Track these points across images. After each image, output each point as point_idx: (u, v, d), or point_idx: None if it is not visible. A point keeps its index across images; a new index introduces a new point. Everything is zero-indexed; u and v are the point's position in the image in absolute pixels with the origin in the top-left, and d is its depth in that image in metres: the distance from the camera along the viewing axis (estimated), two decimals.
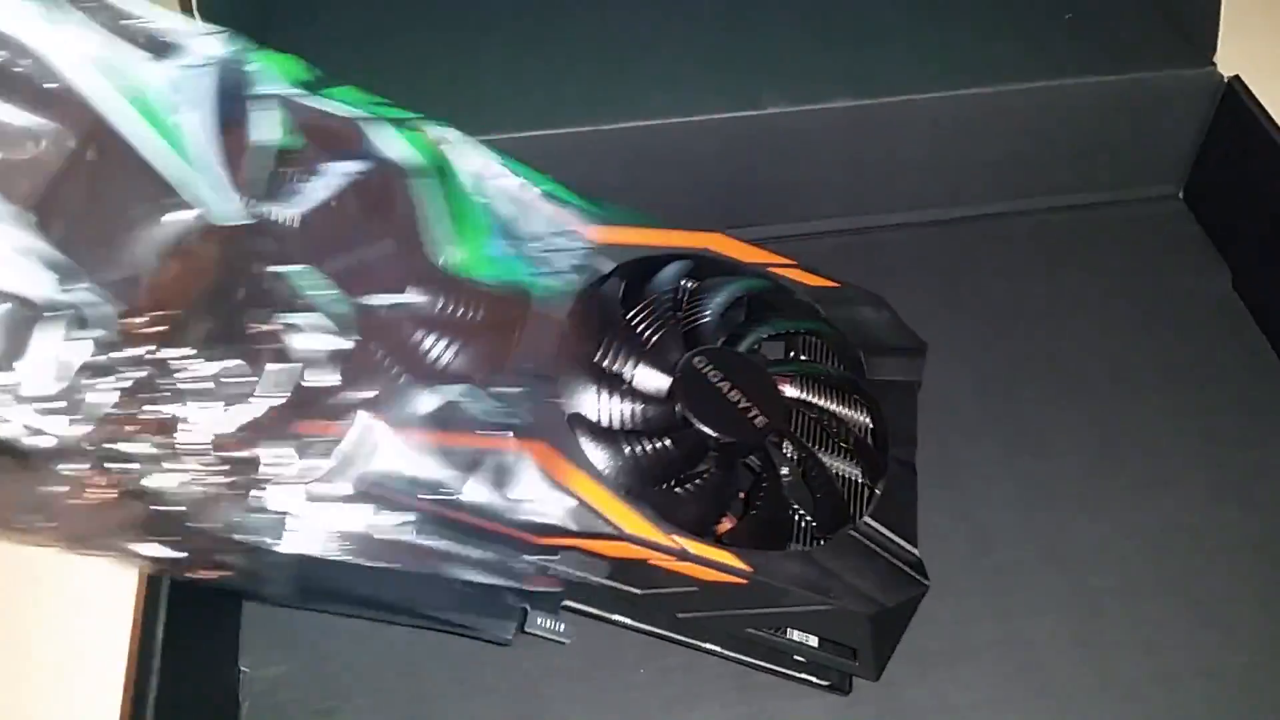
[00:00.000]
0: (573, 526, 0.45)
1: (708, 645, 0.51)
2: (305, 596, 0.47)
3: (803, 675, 0.52)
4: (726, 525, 0.51)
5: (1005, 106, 0.68)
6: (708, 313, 0.55)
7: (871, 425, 0.55)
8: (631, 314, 0.54)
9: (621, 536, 0.45)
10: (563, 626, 0.49)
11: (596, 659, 0.55)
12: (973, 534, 0.60)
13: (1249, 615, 0.58)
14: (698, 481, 0.49)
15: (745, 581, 0.46)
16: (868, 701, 0.54)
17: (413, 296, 0.50)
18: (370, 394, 0.46)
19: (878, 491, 0.51)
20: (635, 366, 0.52)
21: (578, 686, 0.54)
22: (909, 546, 0.50)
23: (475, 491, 0.45)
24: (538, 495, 0.45)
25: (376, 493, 0.44)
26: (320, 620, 0.54)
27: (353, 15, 0.73)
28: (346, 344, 0.45)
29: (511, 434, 0.46)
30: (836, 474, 0.53)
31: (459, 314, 0.50)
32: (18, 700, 0.53)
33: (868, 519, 0.50)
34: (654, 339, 0.53)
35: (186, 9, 0.59)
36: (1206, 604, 0.58)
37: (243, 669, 0.53)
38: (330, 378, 0.45)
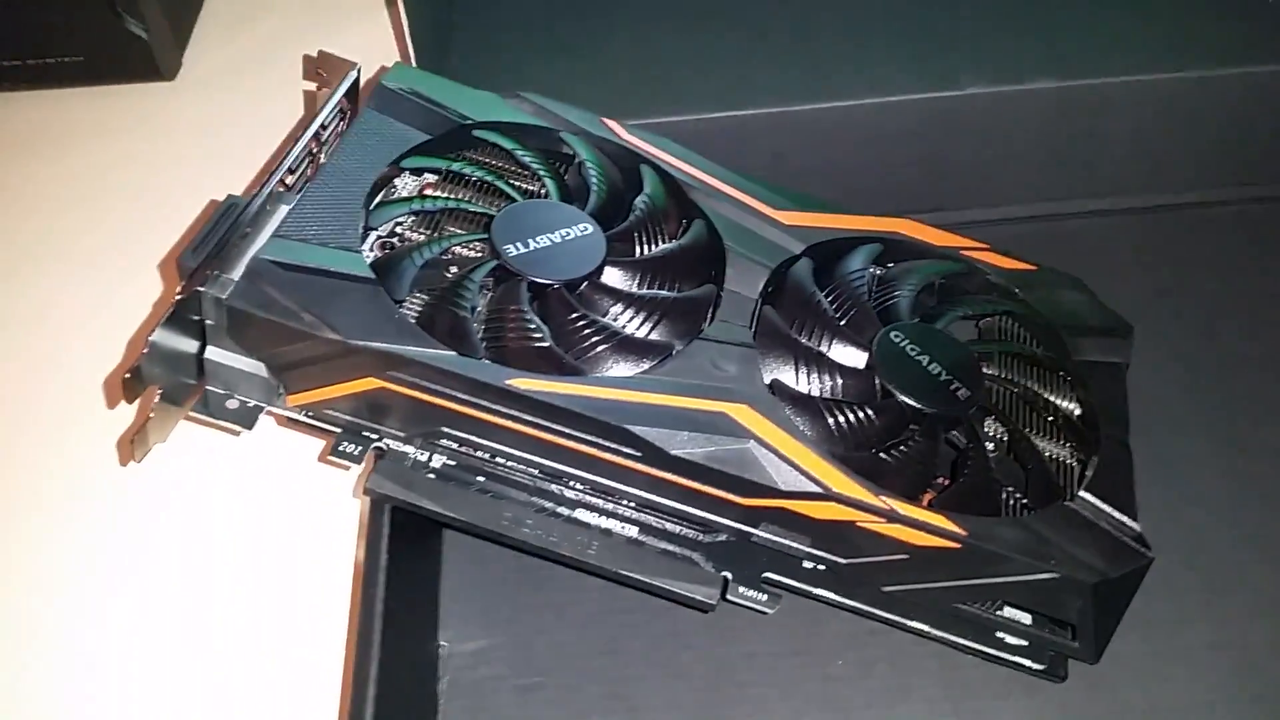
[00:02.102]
0: (780, 485, 0.45)
1: (915, 624, 0.49)
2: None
3: (1016, 658, 0.49)
4: (930, 499, 0.49)
5: (1210, 91, 0.66)
6: (900, 293, 0.54)
7: (1079, 405, 0.53)
8: (824, 292, 0.54)
9: (829, 496, 0.45)
10: (765, 597, 0.47)
11: (794, 647, 0.53)
12: (1186, 533, 0.57)
13: None
14: (902, 449, 0.48)
15: (959, 546, 0.45)
16: (1078, 703, 0.52)
17: (616, 276, 0.51)
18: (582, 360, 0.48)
19: (1089, 470, 0.50)
20: (831, 340, 0.51)
21: (775, 674, 0.53)
22: (1129, 521, 0.47)
23: (684, 449, 0.45)
24: (745, 455, 0.45)
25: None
26: (517, 596, 0.55)
27: (537, 2, 0.74)
28: None
29: (718, 397, 0.47)
30: (1045, 454, 0.51)
31: (659, 290, 0.52)
32: (246, 668, 0.55)
33: (1083, 493, 0.48)
34: (848, 316, 0.53)
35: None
36: None
37: (442, 643, 0.53)
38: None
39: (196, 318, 0.46)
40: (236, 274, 0.46)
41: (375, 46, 0.79)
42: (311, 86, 0.57)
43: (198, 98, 0.83)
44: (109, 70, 0.83)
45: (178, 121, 0.81)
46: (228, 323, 0.46)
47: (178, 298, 0.45)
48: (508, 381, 0.45)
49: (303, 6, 0.90)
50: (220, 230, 0.47)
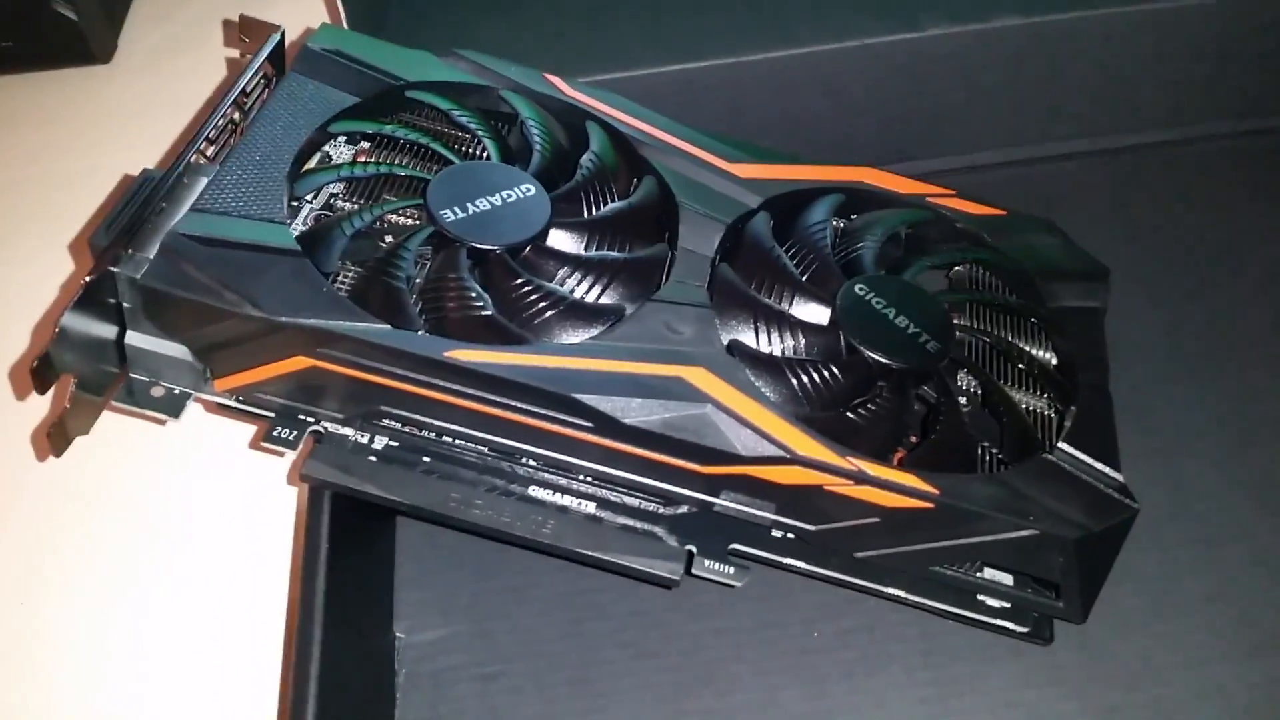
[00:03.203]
0: (740, 451, 0.42)
1: (891, 590, 0.46)
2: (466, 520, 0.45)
3: (998, 622, 0.47)
4: (900, 457, 0.47)
5: (1183, 22, 0.63)
6: (864, 244, 0.52)
7: (1055, 353, 0.51)
8: (784, 247, 0.51)
9: (793, 459, 0.42)
10: (732, 570, 0.45)
11: (766, 620, 0.51)
12: (1174, 482, 0.54)
13: None
14: (870, 407, 0.45)
15: (931, 506, 0.42)
16: (1067, 664, 0.49)
17: (563, 238, 0.49)
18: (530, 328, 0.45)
19: (1068, 421, 0.47)
20: (792, 297, 0.49)
21: (747, 650, 0.50)
22: (1111, 471, 0.45)
23: (638, 417, 0.42)
24: (703, 420, 0.42)
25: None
26: (475, 582, 0.52)
27: None
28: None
29: (672, 360, 0.44)
30: (1021, 405, 0.49)
31: (609, 251, 0.49)
32: (178, 676, 0.52)
33: (1061, 444, 0.45)
34: (809, 270, 0.50)
35: None
36: None
37: (398, 635, 0.51)
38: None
39: (112, 300, 0.43)
40: (152, 251, 0.43)
41: (314, 19, 0.76)
42: (235, 53, 0.54)
43: (135, 80, 0.79)
44: (41, 56, 0.79)
45: (115, 105, 0.78)
46: (143, 304, 0.43)
47: (87, 279, 0.42)
48: (446, 353, 0.42)
49: None
50: (134, 206, 0.44)
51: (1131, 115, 0.68)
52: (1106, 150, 0.69)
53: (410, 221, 0.49)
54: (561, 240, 0.49)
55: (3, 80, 0.78)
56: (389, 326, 0.42)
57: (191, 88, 0.77)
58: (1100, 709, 0.48)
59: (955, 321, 0.50)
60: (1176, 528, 0.53)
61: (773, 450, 0.42)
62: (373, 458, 0.45)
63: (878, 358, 0.47)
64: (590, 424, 0.43)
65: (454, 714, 0.49)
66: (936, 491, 0.42)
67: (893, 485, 0.42)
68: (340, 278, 0.46)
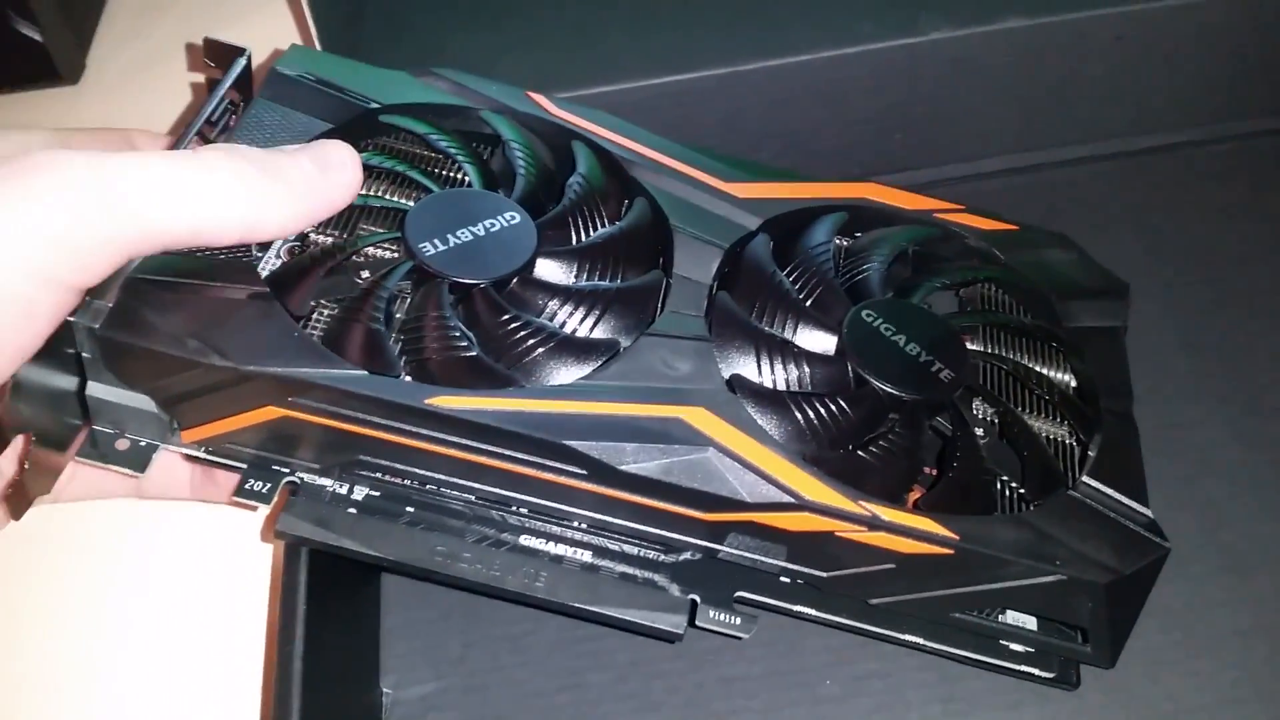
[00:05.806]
0: (745, 498, 0.39)
1: (907, 637, 0.44)
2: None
3: (1023, 668, 0.44)
4: (916, 496, 0.44)
5: (1196, 20, 0.60)
6: (870, 266, 0.49)
7: (1075, 377, 0.48)
8: (785, 271, 0.48)
9: (802, 505, 0.39)
10: (738, 620, 0.42)
11: (776, 667, 0.48)
12: (1201, 508, 0.52)
13: None
14: (882, 444, 0.43)
15: (950, 552, 0.40)
16: (1095, 708, 0.47)
17: (550, 268, 0.46)
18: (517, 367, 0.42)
19: (1092, 451, 0.45)
20: (796, 325, 0.46)
21: (757, 700, 0.48)
22: (1139, 506, 0.42)
23: (634, 464, 0.39)
24: (704, 465, 0.40)
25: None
26: (466, 631, 0.49)
27: None
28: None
29: (670, 400, 0.41)
30: (1042, 435, 0.46)
31: (600, 281, 0.46)
32: None
33: (1086, 478, 0.43)
34: (813, 296, 0.48)
35: None
36: None
37: (385, 690, 0.48)
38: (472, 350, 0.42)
39: (70, 350, 0.41)
40: (111, 298, 0.40)
41: (286, 40, 0.73)
42: (201, 78, 0.52)
43: (104, 100, 0.76)
44: (6, 77, 0.76)
45: (83, 126, 0.75)
46: (103, 354, 0.40)
47: None
48: (427, 401, 0.39)
49: None
50: None
51: (1147, 117, 0.65)
52: (1119, 154, 0.66)
53: (390, 253, 0.46)
54: (550, 270, 0.46)
55: None
56: (365, 373, 0.39)
57: (165, 107, 0.73)
58: None
59: (969, 346, 0.48)
60: (1204, 558, 0.50)
61: (780, 496, 0.39)
62: (352, 509, 0.42)
63: (888, 389, 0.44)
64: (584, 471, 0.40)
65: None
66: (956, 536, 0.39)
67: (909, 531, 0.39)
68: (314, 318, 0.44)
